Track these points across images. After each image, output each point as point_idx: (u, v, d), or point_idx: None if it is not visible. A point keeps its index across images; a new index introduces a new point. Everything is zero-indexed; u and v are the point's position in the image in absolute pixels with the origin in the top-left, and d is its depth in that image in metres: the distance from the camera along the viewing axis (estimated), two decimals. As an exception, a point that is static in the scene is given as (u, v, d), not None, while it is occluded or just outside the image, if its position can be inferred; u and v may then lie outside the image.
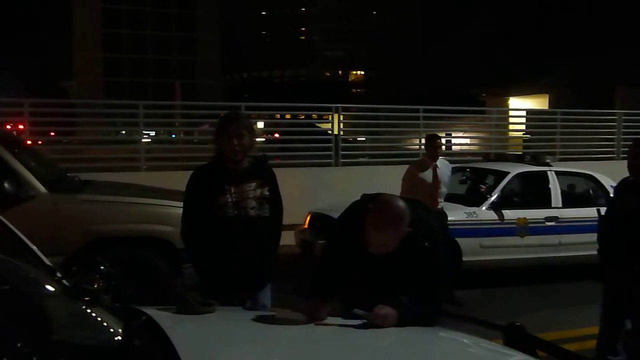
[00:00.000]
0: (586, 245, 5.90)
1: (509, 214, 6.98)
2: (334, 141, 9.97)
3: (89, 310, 1.94)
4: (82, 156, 10.04)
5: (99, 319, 1.95)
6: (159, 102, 17.08)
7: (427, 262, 2.61)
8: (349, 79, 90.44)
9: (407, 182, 6.21)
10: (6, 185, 4.64)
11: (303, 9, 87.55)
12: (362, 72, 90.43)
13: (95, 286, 2.01)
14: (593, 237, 4.23)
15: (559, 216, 7.19)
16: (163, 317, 2.26)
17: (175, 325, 2.20)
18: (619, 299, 3.90)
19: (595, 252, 4.19)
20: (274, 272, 3.48)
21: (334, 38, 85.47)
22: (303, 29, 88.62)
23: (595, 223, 4.27)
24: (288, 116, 14.55)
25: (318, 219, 7.14)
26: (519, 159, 8.09)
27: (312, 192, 8.53)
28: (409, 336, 2.45)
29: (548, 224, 7.16)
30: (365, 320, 2.45)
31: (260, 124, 12.48)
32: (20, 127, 8.74)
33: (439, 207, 6.06)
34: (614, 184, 4.49)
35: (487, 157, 8.61)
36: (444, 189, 6.29)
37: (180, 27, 74.14)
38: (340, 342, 2.35)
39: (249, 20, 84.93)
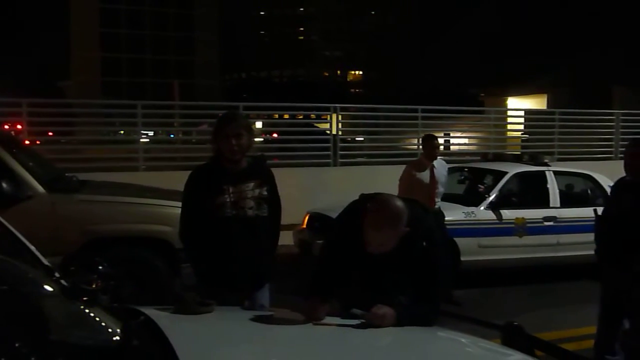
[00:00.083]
0: (584, 245, 5.90)
1: (507, 213, 6.99)
2: (333, 141, 9.98)
3: (87, 311, 1.94)
4: (80, 156, 10.03)
5: (97, 319, 1.95)
6: (157, 102, 17.05)
7: (425, 262, 2.61)
8: (348, 79, 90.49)
9: (405, 183, 6.22)
10: (4, 185, 4.63)
11: (302, 9, 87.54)
12: (361, 72, 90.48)
13: (94, 286, 2.00)
14: (591, 237, 4.24)
15: (557, 216, 7.21)
16: (161, 317, 2.26)
17: (174, 325, 2.20)
18: (617, 298, 3.91)
19: (593, 252, 4.20)
20: (273, 272, 3.49)
21: (333, 38, 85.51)
22: (302, 29, 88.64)
23: (593, 223, 4.28)
24: (286, 116, 14.52)
25: (316, 218, 7.14)
26: (517, 159, 8.10)
27: (310, 192, 8.53)
28: (407, 336, 2.45)
29: (546, 223, 7.17)
30: (363, 320, 2.45)
31: (258, 124, 12.47)
32: (19, 127, 8.73)
33: (436, 206, 6.06)
34: (612, 184, 4.50)
35: (485, 157, 8.63)
36: (441, 189, 6.30)
37: (179, 27, 74.11)
38: (338, 341, 2.35)
39: (247, 20, 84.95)
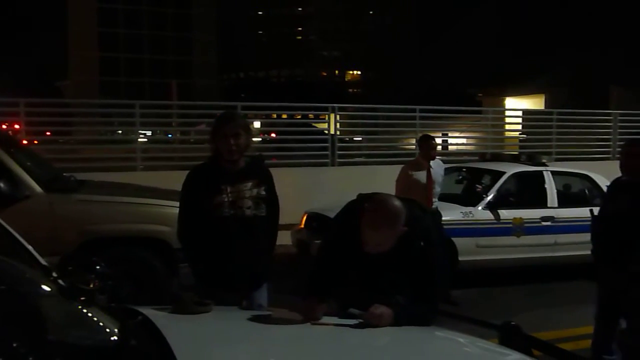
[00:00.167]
0: (582, 245, 5.90)
1: (505, 213, 7.00)
2: (331, 141, 9.98)
3: (84, 310, 1.94)
4: (78, 156, 10.02)
5: (95, 319, 1.95)
6: (155, 102, 17.03)
7: (422, 262, 2.62)
8: (346, 79, 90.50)
9: (402, 183, 6.22)
10: (2, 185, 4.63)
11: (300, 9, 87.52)
12: (359, 72, 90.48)
13: (91, 286, 2.00)
14: (588, 236, 4.24)
15: (555, 216, 7.22)
16: (159, 317, 2.26)
17: (171, 325, 2.20)
18: (613, 298, 3.92)
19: (590, 252, 4.21)
20: (270, 271, 3.49)
21: (331, 38, 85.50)
22: (300, 28, 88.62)
23: (590, 223, 4.29)
24: (284, 116, 14.52)
25: (314, 218, 7.14)
26: (515, 159, 8.12)
27: (308, 192, 8.53)
28: (405, 336, 2.45)
29: (544, 223, 7.18)
30: (361, 320, 2.45)
31: (256, 124, 12.48)
32: (16, 126, 8.72)
33: (433, 206, 6.07)
34: (609, 184, 4.51)
35: (483, 157, 8.64)
36: (437, 189, 6.31)
37: (177, 27, 74.05)
38: (336, 341, 2.35)
39: (245, 20, 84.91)
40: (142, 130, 10.20)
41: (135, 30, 72.30)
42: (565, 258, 7.11)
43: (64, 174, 5.77)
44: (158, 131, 12.69)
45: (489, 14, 71.24)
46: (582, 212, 6.55)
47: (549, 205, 7.31)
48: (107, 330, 1.92)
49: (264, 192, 3.35)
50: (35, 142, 9.43)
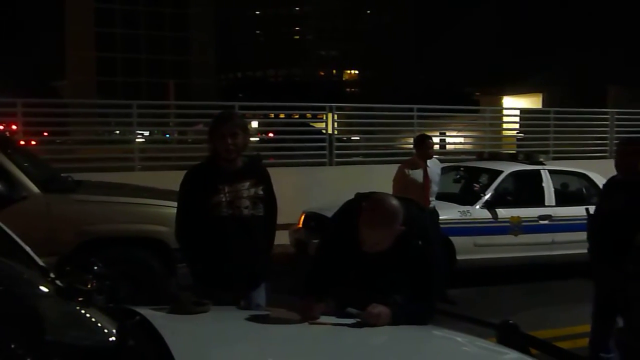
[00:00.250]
0: (579, 244, 5.91)
1: (503, 212, 7.01)
2: (328, 140, 9.97)
3: (82, 311, 1.94)
4: (75, 156, 10.00)
5: (93, 319, 1.95)
6: (152, 102, 17.02)
7: (420, 261, 2.62)
8: (343, 78, 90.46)
9: (399, 182, 6.22)
10: (-1, 185, 4.62)
11: (297, 9, 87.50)
12: (356, 72, 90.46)
13: (89, 286, 2.00)
14: (585, 235, 4.26)
15: (552, 215, 7.23)
16: (157, 317, 2.26)
17: (169, 325, 2.20)
18: (610, 297, 3.93)
19: (587, 251, 4.22)
20: (268, 271, 3.49)
21: (328, 37, 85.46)
22: (297, 28, 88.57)
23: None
24: (282, 115, 14.53)
25: (312, 218, 7.14)
26: (512, 158, 8.13)
27: (306, 192, 8.54)
28: (402, 335, 2.46)
29: (541, 222, 7.19)
30: (359, 319, 2.46)
31: (254, 124, 12.47)
32: (13, 127, 8.70)
33: (430, 205, 6.08)
34: (604, 183, 4.52)
35: (480, 156, 8.65)
36: (434, 188, 6.32)
37: (174, 27, 73.95)
38: (334, 340, 2.36)
39: (243, 20, 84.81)
40: (140, 130, 10.18)
41: (133, 30, 72.19)
42: (562, 257, 7.12)
43: (62, 175, 5.77)
44: (155, 131, 12.70)
45: (486, 13, 71.32)
46: (580, 211, 6.53)
47: (546, 204, 7.32)
48: (105, 330, 1.92)
49: (261, 192, 3.35)
50: (33, 142, 9.41)
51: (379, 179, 6.61)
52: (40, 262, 2.31)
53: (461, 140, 13.23)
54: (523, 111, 16.95)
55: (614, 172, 4.07)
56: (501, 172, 7.36)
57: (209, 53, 76.36)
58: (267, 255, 3.47)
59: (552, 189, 7.42)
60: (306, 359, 2.11)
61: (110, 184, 6.43)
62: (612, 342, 3.99)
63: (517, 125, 13.68)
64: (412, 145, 6.64)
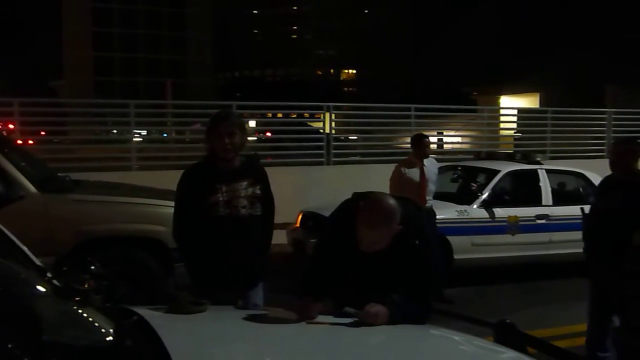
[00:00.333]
0: (576, 243, 5.90)
1: (500, 212, 7.02)
2: (326, 140, 9.98)
3: (79, 311, 1.93)
4: (73, 156, 9.98)
5: (90, 319, 1.94)
6: (150, 102, 17.01)
7: (418, 260, 2.62)
8: (341, 78, 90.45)
9: (395, 182, 6.23)
10: (-4, 185, 4.62)
11: (295, 8, 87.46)
12: (354, 71, 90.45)
13: (86, 286, 2.00)
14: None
15: (550, 214, 7.24)
16: (154, 317, 2.26)
17: (167, 325, 2.20)
18: (605, 296, 3.94)
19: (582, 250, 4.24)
20: (266, 271, 3.49)
21: (326, 37, 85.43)
22: (295, 27, 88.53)
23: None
24: (280, 115, 14.53)
25: (310, 217, 7.15)
26: (509, 158, 8.14)
27: (303, 191, 8.54)
28: (400, 334, 2.46)
29: (539, 221, 7.20)
30: (356, 319, 2.46)
31: (252, 123, 12.46)
32: (11, 126, 8.69)
33: (427, 205, 6.08)
34: (599, 182, 4.53)
35: (478, 156, 8.65)
36: (431, 187, 6.32)
37: (172, 26, 73.86)
38: (331, 340, 2.36)
39: (240, 19, 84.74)
40: (137, 129, 10.17)
41: (130, 30, 72.08)
42: (560, 256, 7.13)
43: (59, 174, 5.76)
44: (153, 131, 12.66)
45: (484, 13, 71.37)
46: (577, 210, 6.53)
47: (543, 203, 7.33)
48: (103, 330, 1.92)
49: (259, 191, 3.35)
50: (30, 142, 9.39)
51: (377, 178, 6.61)
52: (38, 262, 2.31)
53: (459, 139, 13.24)
54: (520, 111, 16.97)
55: (610, 172, 4.08)
56: (498, 171, 7.37)
57: (207, 52, 76.31)
58: (264, 254, 3.47)
59: (550, 189, 7.43)
60: (304, 359, 2.11)
61: (108, 184, 6.42)
62: (609, 341, 4.00)
63: (514, 125, 13.70)
64: (409, 145, 6.64)
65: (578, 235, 4.40)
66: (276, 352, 2.20)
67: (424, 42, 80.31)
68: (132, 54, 72.53)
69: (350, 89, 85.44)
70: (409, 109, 10.73)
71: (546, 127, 11.79)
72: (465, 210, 6.90)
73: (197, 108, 12.71)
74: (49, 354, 1.73)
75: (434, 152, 6.66)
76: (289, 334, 2.35)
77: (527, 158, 7.86)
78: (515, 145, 12.52)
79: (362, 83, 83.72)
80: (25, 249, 2.37)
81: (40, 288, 2.00)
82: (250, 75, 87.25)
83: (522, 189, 7.53)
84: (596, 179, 7.48)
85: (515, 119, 14.21)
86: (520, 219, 7.08)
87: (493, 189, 7.17)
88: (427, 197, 6.23)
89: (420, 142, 6.36)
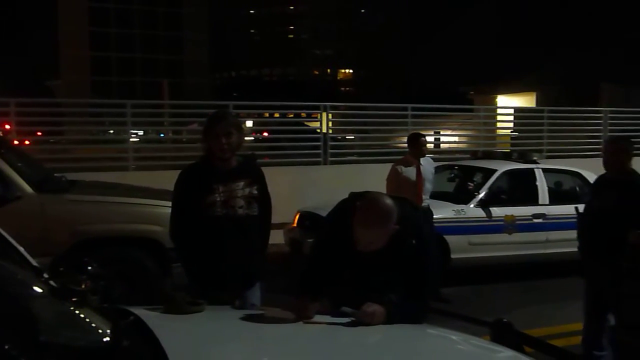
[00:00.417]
0: (573, 242, 5.92)
1: (497, 211, 7.03)
2: (323, 140, 9.98)
3: (76, 311, 1.93)
4: (69, 156, 9.96)
5: (87, 319, 1.94)
6: (147, 102, 16.99)
7: (414, 260, 2.62)
8: (338, 78, 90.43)
9: (392, 181, 6.23)
10: (-7, 186, 4.61)
11: (291, 8, 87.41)
12: (351, 71, 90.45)
13: (83, 287, 2.00)
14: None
15: (546, 213, 7.26)
16: (151, 317, 2.26)
17: (164, 325, 2.20)
18: (600, 294, 3.95)
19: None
20: (263, 270, 3.49)
21: (323, 36, 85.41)
22: (291, 27, 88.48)
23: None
24: (277, 115, 14.50)
25: (307, 217, 7.15)
26: (506, 157, 8.15)
27: (301, 191, 8.53)
28: (397, 333, 2.46)
29: (535, 221, 7.22)
30: (353, 318, 2.46)
31: (249, 123, 12.45)
32: (7, 127, 8.66)
33: (424, 204, 6.09)
34: (593, 181, 4.55)
35: (475, 155, 8.66)
36: (428, 186, 6.33)
37: (168, 26, 73.73)
38: (328, 339, 2.36)
39: (237, 19, 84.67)
40: (134, 129, 10.16)
41: (127, 30, 71.95)
42: (556, 255, 7.14)
43: (55, 174, 5.75)
44: (150, 131, 12.64)
45: (480, 12, 71.47)
46: (573, 210, 6.60)
47: (540, 202, 7.35)
48: (99, 330, 1.92)
49: (256, 191, 3.35)
50: (27, 142, 9.37)
51: (374, 178, 6.61)
52: (34, 263, 2.30)
53: (455, 139, 13.26)
54: (517, 110, 17.00)
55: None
56: (495, 170, 7.39)
57: (203, 52, 76.19)
58: (261, 254, 3.47)
59: (546, 188, 7.45)
60: (301, 359, 2.12)
61: (105, 184, 6.42)
62: (605, 340, 4.01)
63: (511, 124, 13.72)
64: (406, 145, 6.65)
65: (574, 234, 4.42)
66: (273, 352, 2.20)
67: (420, 41, 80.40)
68: (129, 54, 72.40)
69: (347, 88, 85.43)
70: (405, 109, 10.73)
71: (542, 127, 11.82)
72: (462, 210, 6.91)
73: (194, 108, 12.69)
74: (46, 355, 1.72)
75: (430, 151, 6.66)
76: (286, 334, 2.35)
77: (523, 157, 7.87)
78: (512, 145, 12.53)
79: (359, 83, 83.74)
80: (21, 249, 2.36)
81: (37, 289, 2.00)
82: (247, 75, 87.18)
83: (519, 188, 7.55)
84: (592, 178, 7.49)
85: (511, 118, 14.24)
86: (517, 218, 7.09)
87: (490, 188, 7.18)
88: (424, 196, 6.23)
89: (416, 142, 6.36)
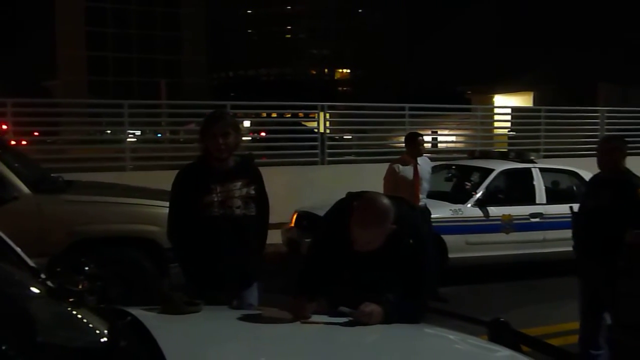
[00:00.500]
0: (570, 241, 5.95)
1: (494, 210, 7.04)
2: (320, 139, 9.98)
3: (73, 312, 1.93)
4: (66, 156, 9.96)
5: (84, 320, 1.94)
6: (144, 102, 16.96)
7: (412, 259, 2.63)
8: (335, 78, 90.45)
9: (389, 181, 6.23)
10: (-11, 186, 4.60)
11: (289, 8, 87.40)
12: (348, 71, 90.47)
13: (80, 287, 1.99)
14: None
15: (543, 212, 7.27)
16: (148, 318, 2.26)
17: (161, 326, 2.20)
18: (596, 293, 3.96)
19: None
20: (261, 271, 3.49)
21: (320, 36, 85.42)
22: (289, 27, 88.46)
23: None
24: (274, 115, 14.54)
25: (304, 217, 7.15)
26: (503, 156, 8.16)
27: (298, 191, 8.54)
28: (395, 333, 2.47)
29: (532, 220, 7.23)
30: (351, 318, 2.46)
31: (246, 123, 12.45)
32: (4, 127, 8.65)
33: (421, 203, 6.09)
34: (588, 180, 4.56)
35: (472, 155, 8.67)
36: (425, 185, 6.34)
37: (166, 26, 73.66)
38: (326, 339, 2.36)
39: (234, 19, 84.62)
40: (131, 130, 10.14)
41: (124, 30, 71.86)
42: (554, 254, 7.15)
43: (52, 175, 5.74)
44: (147, 131, 12.63)
45: (478, 12, 71.54)
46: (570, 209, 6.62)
47: (537, 202, 7.36)
48: (97, 331, 1.91)
49: (253, 192, 3.35)
50: (23, 142, 9.36)
51: (371, 178, 6.62)
52: (31, 263, 2.30)
53: (453, 138, 13.27)
54: (514, 110, 17.03)
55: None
56: (492, 170, 7.40)
57: (201, 52, 76.13)
58: (259, 254, 3.47)
59: (543, 187, 7.46)
60: (299, 358, 2.12)
61: (102, 184, 6.41)
62: (602, 339, 4.02)
63: (508, 124, 13.74)
64: (404, 144, 6.65)
65: (571, 233, 4.42)
66: (271, 352, 2.20)
67: (417, 41, 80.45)
68: (126, 54, 72.29)
69: (345, 88, 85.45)
70: (403, 109, 10.74)
71: (540, 126, 11.84)
72: (460, 209, 6.92)
73: (191, 108, 12.69)
74: (43, 356, 1.72)
75: (428, 151, 6.66)
76: (284, 334, 2.35)
77: (520, 157, 7.89)
78: (509, 144, 12.55)
79: (356, 83, 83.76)
80: (18, 250, 2.36)
81: (34, 289, 2.00)
82: (245, 75, 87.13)
83: (516, 188, 7.56)
84: (589, 177, 7.53)
85: (509, 117, 14.26)
86: (514, 217, 7.11)
87: (487, 187, 7.19)
88: (421, 196, 6.24)
89: (414, 141, 6.37)
